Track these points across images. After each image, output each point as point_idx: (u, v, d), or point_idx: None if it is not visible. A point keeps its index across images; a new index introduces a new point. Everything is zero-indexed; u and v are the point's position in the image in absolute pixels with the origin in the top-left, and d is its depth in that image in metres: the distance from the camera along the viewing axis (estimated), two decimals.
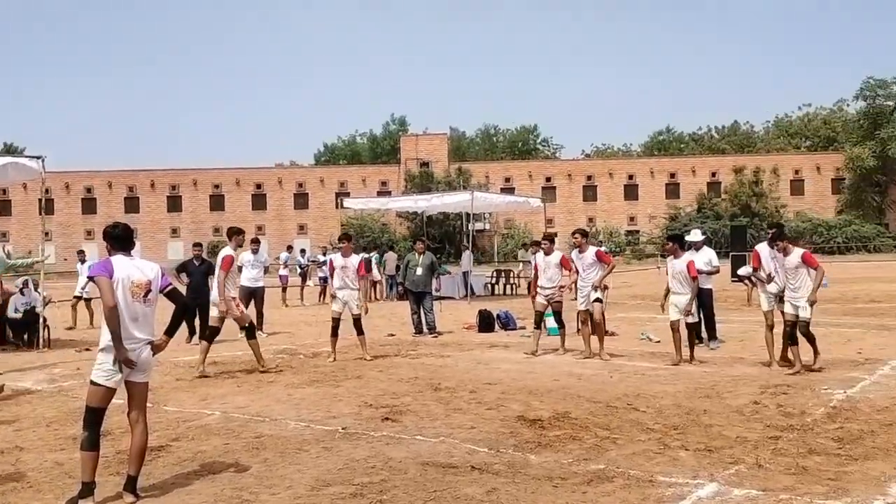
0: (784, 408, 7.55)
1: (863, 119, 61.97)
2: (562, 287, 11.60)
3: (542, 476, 5.52)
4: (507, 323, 15.21)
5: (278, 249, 60.86)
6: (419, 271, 14.78)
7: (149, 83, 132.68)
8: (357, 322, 11.43)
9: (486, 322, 14.98)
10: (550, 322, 12.55)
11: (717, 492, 5.12)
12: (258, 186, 63.31)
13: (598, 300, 11.21)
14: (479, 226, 52.67)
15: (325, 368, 10.60)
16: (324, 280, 23.76)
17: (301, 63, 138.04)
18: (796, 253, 9.46)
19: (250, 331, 10.77)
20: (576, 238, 11.57)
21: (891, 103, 60.52)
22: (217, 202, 63.08)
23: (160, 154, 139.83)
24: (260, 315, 15.29)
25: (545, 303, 11.69)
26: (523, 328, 14.78)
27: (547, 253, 11.75)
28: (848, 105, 68.03)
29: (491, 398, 8.32)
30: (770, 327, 10.15)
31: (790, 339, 9.57)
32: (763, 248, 10.61)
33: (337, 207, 44.30)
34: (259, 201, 63.30)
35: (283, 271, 24.49)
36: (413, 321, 14.71)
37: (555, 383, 9.14)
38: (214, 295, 10.56)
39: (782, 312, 9.73)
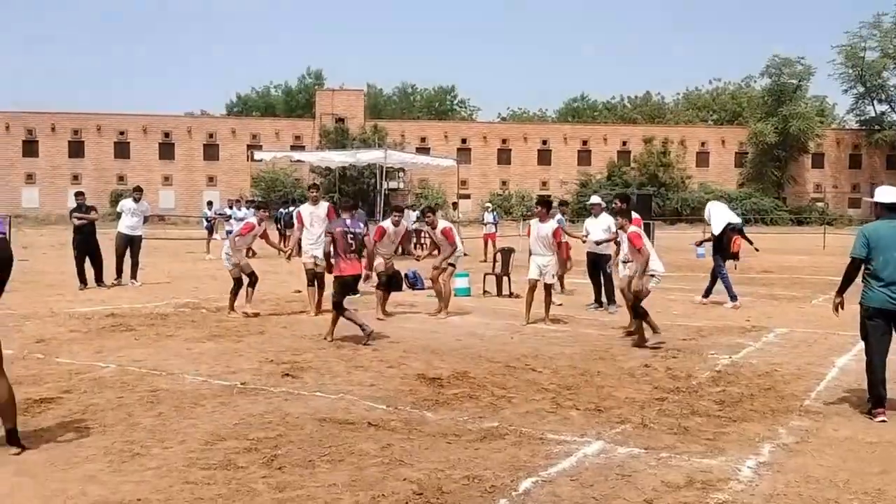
0: (672, 371, 7.90)
1: (767, 96, 63.98)
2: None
3: (436, 433, 5.64)
4: (415, 283, 15.30)
5: (185, 200, 59.44)
6: None
7: (48, 16, 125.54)
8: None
9: (393, 281, 14.99)
10: (460, 283, 12.75)
11: (602, 449, 5.34)
12: (166, 135, 61.07)
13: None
14: (392, 184, 52.40)
15: (227, 323, 10.46)
16: (228, 233, 23.55)
17: (214, 9, 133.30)
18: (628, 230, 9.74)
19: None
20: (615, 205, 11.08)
21: (794, 81, 62.77)
22: (122, 149, 60.67)
23: (63, 97, 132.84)
24: (135, 264, 15.39)
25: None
26: (430, 288, 14.89)
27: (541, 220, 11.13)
28: (755, 81, 70.17)
29: (393, 356, 8.40)
30: (532, 289, 10.83)
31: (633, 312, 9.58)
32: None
33: (248, 160, 43.36)
34: (167, 150, 61.10)
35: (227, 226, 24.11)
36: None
37: (457, 343, 9.29)
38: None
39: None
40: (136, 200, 15.62)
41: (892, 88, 64.09)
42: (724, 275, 13.13)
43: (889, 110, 65.16)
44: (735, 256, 13.27)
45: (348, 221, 9.49)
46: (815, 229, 42.94)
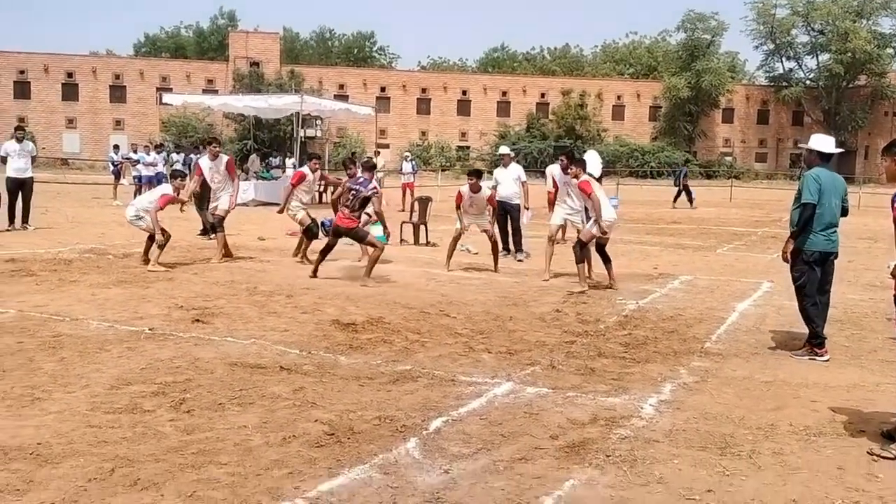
0: (582, 315, 8.10)
1: (682, 50, 65.25)
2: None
3: (349, 376, 5.65)
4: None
5: (91, 144, 57.07)
6: None
7: None
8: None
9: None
10: (375, 231, 12.69)
11: (511, 390, 5.47)
12: (69, 75, 58.30)
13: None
14: (310, 132, 51.38)
15: (135, 269, 10.16)
16: (139, 179, 22.76)
17: None
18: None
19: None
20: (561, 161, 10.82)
21: (708, 37, 64.07)
22: (22, 90, 57.67)
23: None
24: (27, 208, 14.75)
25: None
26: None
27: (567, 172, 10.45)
28: (670, 36, 71.38)
29: (307, 302, 8.34)
30: (551, 240, 10.70)
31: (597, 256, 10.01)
32: (555, 170, 11.07)
33: (157, 103, 41.84)
34: (70, 91, 58.41)
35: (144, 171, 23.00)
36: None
37: (372, 290, 9.27)
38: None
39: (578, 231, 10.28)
40: (20, 140, 14.84)
41: (799, 46, 66.23)
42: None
43: (796, 67, 67.46)
44: None
45: (361, 179, 10.10)
46: (724, 182, 44.38)
